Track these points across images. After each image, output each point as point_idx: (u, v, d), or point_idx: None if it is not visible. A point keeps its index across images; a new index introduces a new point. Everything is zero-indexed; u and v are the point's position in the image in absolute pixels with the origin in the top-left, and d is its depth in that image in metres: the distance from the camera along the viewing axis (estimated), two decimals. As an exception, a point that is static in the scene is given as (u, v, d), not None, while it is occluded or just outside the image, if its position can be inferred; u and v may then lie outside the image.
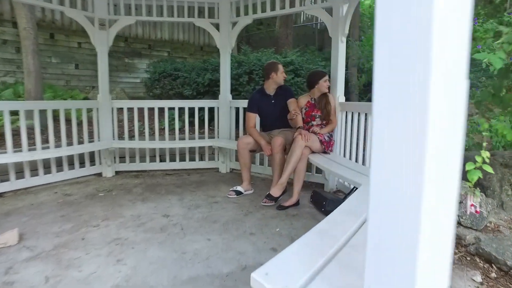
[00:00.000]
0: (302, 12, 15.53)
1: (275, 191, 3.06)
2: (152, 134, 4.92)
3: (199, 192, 3.53)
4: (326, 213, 2.87)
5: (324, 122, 3.40)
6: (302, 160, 3.09)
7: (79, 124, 4.06)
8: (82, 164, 3.99)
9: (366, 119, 3.03)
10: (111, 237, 2.37)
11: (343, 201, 3.16)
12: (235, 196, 3.39)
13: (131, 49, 8.77)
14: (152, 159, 4.43)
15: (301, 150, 3.05)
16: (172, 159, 4.45)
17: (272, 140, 3.28)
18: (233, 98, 4.63)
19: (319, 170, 3.81)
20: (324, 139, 3.28)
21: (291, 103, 3.43)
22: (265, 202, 3.13)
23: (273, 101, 3.51)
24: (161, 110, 4.40)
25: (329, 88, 3.37)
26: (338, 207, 1.64)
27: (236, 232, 2.51)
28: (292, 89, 4.32)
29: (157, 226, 2.59)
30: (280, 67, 3.41)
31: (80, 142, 3.99)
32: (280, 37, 10.59)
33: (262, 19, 14.03)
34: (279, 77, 3.41)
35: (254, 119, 3.59)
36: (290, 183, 3.18)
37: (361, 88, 5.30)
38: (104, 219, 2.71)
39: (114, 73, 8.50)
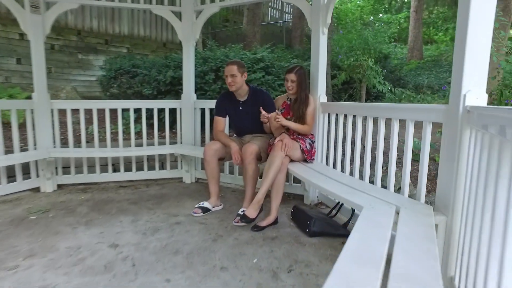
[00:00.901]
0: (269, 9, 15.22)
1: (251, 212, 2.56)
2: (103, 140, 4.25)
3: (158, 210, 2.96)
4: (312, 234, 2.42)
5: (295, 121, 2.95)
6: (281, 171, 2.62)
7: (7, 128, 3.34)
8: (12, 178, 3.28)
9: (355, 122, 2.62)
10: (31, 285, 1.76)
11: (331, 219, 2.70)
12: (202, 214, 2.86)
13: (85, 44, 7.91)
14: (104, 168, 3.78)
15: (281, 160, 2.58)
16: (128, 169, 3.83)
17: (243, 148, 2.79)
18: (198, 98, 4.09)
19: (297, 180, 3.36)
20: (306, 147, 2.84)
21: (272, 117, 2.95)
22: (238, 222, 2.63)
23: (241, 108, 3.02)
24: (115, 112, 3.78)
25: (300, 88, 2.90)
26: (344, 249, 1.17)
27: (203, 267, 1.99)
28: (264, 89, 3.82)
29: (100, 263, 2.00)
30: (225, 69, 2.89)
31: (9, 151, 3.27)
32: (248, 35, 10.15)
33: (228, 16, 13.55)
34: (244, 79, 2.94)
35: (223, 123, 3.08)
36: (266, 197, 2.70)
37: (338, 86, 4.97)
38: (27, 256, 2.08)
39: (65, 70, 7.62)
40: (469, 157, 1.51)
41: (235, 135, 3.27)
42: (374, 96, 6.31)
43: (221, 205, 3.06)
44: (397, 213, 1.68)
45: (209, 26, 12.86)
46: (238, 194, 3.50)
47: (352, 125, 2.70)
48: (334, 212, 2.81)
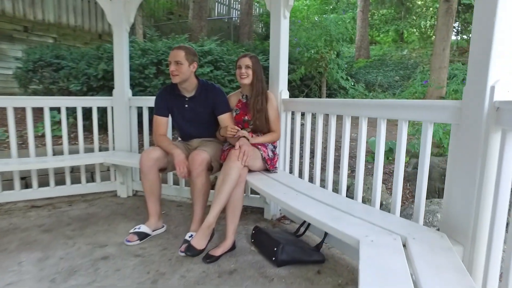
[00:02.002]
0: (216, 4, 14.59)
1: (199, 241, 1.98)
2: (4, 147, 3.38)
3: (80, 239, 2.27)
4: (280, 264, 1.94)
5: (257, 130, 2.46)
6: (239, 185, 2.10)
7: None
8: None
9: (327, 123, 2.18)
10: None
11: (300, 241, 2.16)
12: (138, 241, 2.23)
13: (-4, 30, 6.67)
14: (9, 185, 2.95)
15: (238, 172, 2.05)
16: (44, 183, 3.04)
17: (191, 156, 2.22)
18: (136, 95, 3.42)
19: (255, 191, 2.86)
20: (268, 155, 2.34)
21: (225, 118, 2.43)
22: (184, 251, 2.05)
23: (186, 106, 2.45)
24: (24, 111, 2.95)
25: (256, 78, 2.39)
26: None
27: (135, 331, 1.40)
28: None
29: None
30: (170, 55, 2.31)
31: None
32: (194, 29, 9.49)
33: (173, 9, 12.68)
34: (192, 71, 2.37)
35: (165, 124, 2.48)
36: (221, 216, 2.15)
37: (297, 82, 4.57)
38: None
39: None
40: (502, 169, 1.12)
41: (179, 139, 2.67)
42: (335, 92, 6.05)
43: (163, 226, 2.46)
44: (404, 245, 1.25)
45: (152, 19, 11.93)
46: (185, 209, 2.91)
47: (324, 126, 2.27)
48: (302, 229, 2.36)
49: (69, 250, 2.11)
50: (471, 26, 1.24)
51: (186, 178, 2.27)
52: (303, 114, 2.50)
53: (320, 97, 4.20)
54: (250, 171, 2.27)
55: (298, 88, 5.32)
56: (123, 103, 3.15)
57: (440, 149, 3.92)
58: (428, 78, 7.37)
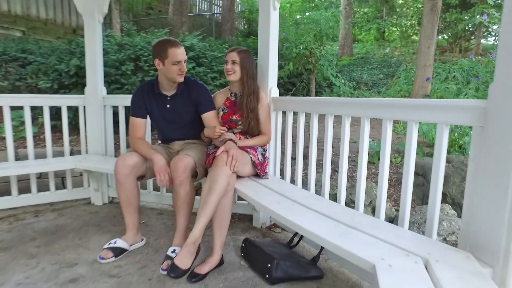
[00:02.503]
0: (197, 0, 14.22)
1: (183, 259, 1.76)
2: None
3: (45, 258, 1.99)
4: (275, 281, 1.74)
5: (247, 132, 2.25)
6: (227, 195, 1.87)
7: None
8: None
9: (323, 123, 1.99)
10: None
11: (295, 254, 1.94)
12: (113, 258, 1.98)
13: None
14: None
15: (227, 179, 1.83)
16: (6, 191, 2.72)
17: (173, 162, 1.98)
18: (112, 93, 3.13)
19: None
20: (258, 159, 2.13)
21: (210, 117, 2.21)
22: (166, 269, 1.82)
23: (168, 106, 2.20)
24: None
25: (246, 75, 2.17)
26: None
27: None
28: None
29: None
30: (172, 52, 2.03)
31: None
32: (174, 25, 9.17)
33: (152, 4, 12.25)
34: (169, 70, 2.06)
35: (143, 126, 2.22)
36: (207, 226, 1.93)
37: (284, 79, 4.37)
38: None
39: None
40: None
41: (160, 141, 2.43)
42: (320, 90, 5.88)
43: (142, 239, 2.21)
44: (426, 268, 1.06)
45: (130, 14, 11.48)
46: (167, 218, 2.67)
47: (320, 127, 2.08)
48: (295, 239, 2.17)
49: (30, 272, 1.83)
50: (501, 16, 1.07)
51: (168, 187, 2.03)
52: (295, 113, 2.30)
53: (308, 95, 4.02)
54: (238, 177, 2.06)
55: (283, 86, 5.13)
56: (97, 101, 2.86)
57: (431, 149, 3.81)
58: (413, 76, 7.35)
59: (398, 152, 3.89)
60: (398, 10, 13.98)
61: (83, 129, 2.93)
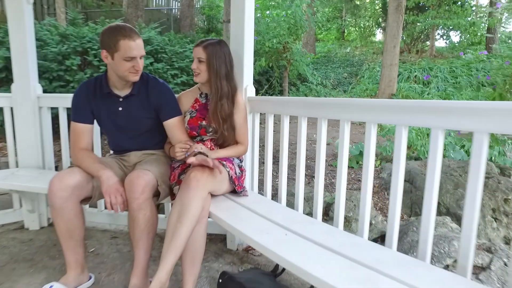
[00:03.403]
0: (154, -6, 13.45)
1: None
2: None
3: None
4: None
5: (222, 144, 1.85)
6: (200, 221, 1.48)
7: None
8: None
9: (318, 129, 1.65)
10: None
11: (281, 286, 1.60)
12: (48, 311, 1.51)
13: None
14: None
15: (201, 203, 1.43)
16: None
17: (128, 180, 1.54)
18: (54, 91, 2.59)
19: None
20: (235, 173, 1.75)
21: (174, 125, 1.77)
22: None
23: (120, 109, 1.75)
24: None
25: (215, 74, 1.75)
26: None
27: None
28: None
29: None
30: (125, 44, 1.57)
31: None
32: (129, 19, 8.49)
33: (103, -5, 11.35)
34: (120, 66, 1.61)
35: (88, 134, 1.74)
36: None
37: (255, 77, 4.01)
38: None
39: None
40: None
41: (111, 152, 1.96)
42: (298, 88, 5.59)
43: (90, 277, 1.74)
44: None
45: (79, 4, 10.53)
46: (123, 244, 2.20)
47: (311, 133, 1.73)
48: (281, 266, 1.82)
49: None
50: None
51: (122, 211, 1.58)
52: (275, 116, 1.95)
53: (281, 94, 3.69)
54: (212, 195, 1.67)
55: (260, 83, 4.77)
56: (28, 102, 2.31)
57: (409, 151, 3.65)
58: (379, 75, 7.34)
59: (376, 155, 3.69)
60: (355, 11, 14.21)
61: (10, 137, 2.36)
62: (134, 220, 1.54)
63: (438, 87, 7.26)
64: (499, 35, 10.37)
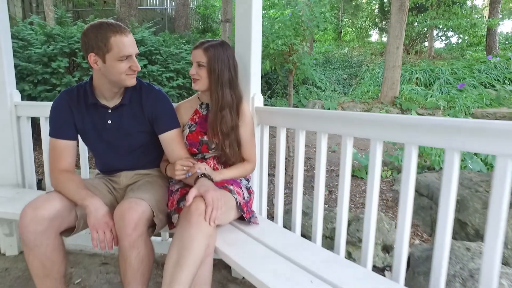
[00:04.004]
0: (148, -7, 13.14)
1: None
2: None
3: None
4: None
5: (225, 161, 1.60)
6: (206, 262, 1.23)
7: None
8: None
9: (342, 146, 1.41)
10: None
11: None
12: None
13: None
14: None
15: (206, 241, 1.18)
16: None
17: (118, 212, 1.28)
18: (39, 96, 2.31)
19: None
20: (244, 197, 1.50)
21: (171, 139, 1.52)
22: None
23: (110, 123, 1.49)
24: None
25: (217, 81, 1.51)
26: None
27: None
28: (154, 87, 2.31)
29: None
30: (118, 41, 1.32)
31: None
32: (122, 19, 8.21)
33: (95, -6, 11.03)
34: (114, 69, 1.35)
35: (70, 152, 1.47)
36: None
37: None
38: None
39: None
40: None
41: (98, 172, 1.70)
42: (296, 90, 5.35)
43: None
44: None
45: (70, 3, 10.20)
46: (114, 271, 1.94)
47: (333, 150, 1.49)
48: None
49: None
50: None
51: (110, 249, 1.32)
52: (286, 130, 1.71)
53: (286, 100, 3.43)
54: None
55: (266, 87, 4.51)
56: (4, 111, 2.03)
57: (421, 160, 3.43)
58: (380, 77, 7.13)
59: (386, 164, 3.47)
60: (355, 11, 14.02)
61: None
62: (126, 260, 1.28)
63: (441, 90, 7.06)
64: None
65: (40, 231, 1.26)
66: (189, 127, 1.61)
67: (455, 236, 2.18)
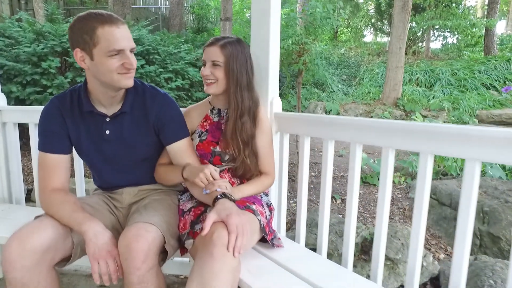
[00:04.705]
0: (141, -9, 12.86)
1: None
2: None
3: None
4: None
5: (242, 175, 1.40)
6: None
7: None
8: None
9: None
10: None
11: None
12: None
13: None
14: None
15: (231, 276, 0.98)
16: None
17: (124, 243, 1.07)
18: (29, 98, 2.08)
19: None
20: (266, 216, 1.31)
21: (181, 149, 1.32)
22: None
23: (108, 133, 1.27)
24: None
25: (236, 84, 1.33)
26: None
27: None
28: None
29: None
30: (106, 32, 1.09)
31: None
32: (116, 17, 8.00)
33: (87, -9, 10.73)
34: (104, 67, 1.12)
35: (62, 169, 1.25)
36: None
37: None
38: None
39: None
40: None
41: (96, 188, 1.48)
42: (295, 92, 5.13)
43: None
44: None
45: (61, 1, 9.90)
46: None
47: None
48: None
49: None
50: None
51: (114, 282, 1.12)
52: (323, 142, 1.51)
53: (288, 101, 3.23)
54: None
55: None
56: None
57: (434, 165, 3.27)
58: (380, 78, 6.99)
59: (398, 170, 3.30)
60: (355, 11, 13.91)
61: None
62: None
63: (443, 91, 6.95)
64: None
65: (30, 267, 1.05)
66: (199, 136, 1.41)
67: (486, 251, 2.01)
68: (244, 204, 1.25)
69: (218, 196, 1.12)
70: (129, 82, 1.18)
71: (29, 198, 2.26)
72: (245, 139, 1.33)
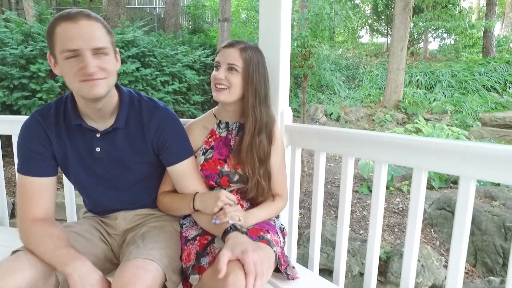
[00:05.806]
0: (136, -9, 12.66)
1: None
2: None
3: None
4: None
5: (253, 198, 1.23)
6: None
7: None
8: None
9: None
10: None
11: None
12: None
13: None
14: None
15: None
16: None
17: (118, 281, 0.91)
18: (16, 103, 1.91)
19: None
20: (280, 245, 1.15)
21: (185, 171, 1.17)
22: None
23: (98, 151, 1.10)
24: None
25: (254, 94, 1.18)
26: None
27: None
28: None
29: None
30: (61, 31, 0.92)
31: None
32: (110, 18, 7.78)
33: (81, -9, 10.52)
34: (64, 71, 0.95)
35: (47, 193, 1.08)
36: None
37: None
38: None
39: None
40: None
41: (85, 211, 1.31)
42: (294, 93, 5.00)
43: None
44: None
45: (53, 1, 9.68)
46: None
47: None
48: None
49: None
50: None
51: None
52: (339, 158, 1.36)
53: (302, 106, 3.08)
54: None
55: None
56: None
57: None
58: (380, 79, 6.87)
59: (405, 178, 3.16)
60: (354, 11, 13.83)
61: None
62: None
63: (444, 93, 6.85)
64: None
65: (4, 313, 0.88)
66: (203, 153, 1.25)
67: (509, 270, 1.87)
68: (258, 234, 1.09)
69: (229, 229, 0.96)
70: (94, 92, 0.96)
71: (13, 214, 2.08)
72: (262, 157, 1.18)
